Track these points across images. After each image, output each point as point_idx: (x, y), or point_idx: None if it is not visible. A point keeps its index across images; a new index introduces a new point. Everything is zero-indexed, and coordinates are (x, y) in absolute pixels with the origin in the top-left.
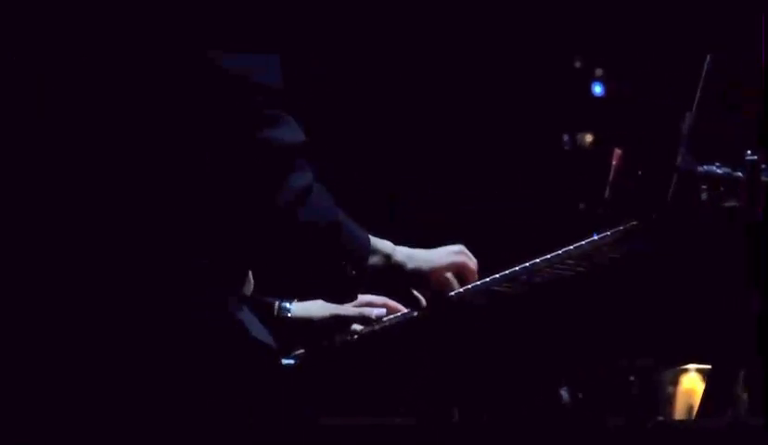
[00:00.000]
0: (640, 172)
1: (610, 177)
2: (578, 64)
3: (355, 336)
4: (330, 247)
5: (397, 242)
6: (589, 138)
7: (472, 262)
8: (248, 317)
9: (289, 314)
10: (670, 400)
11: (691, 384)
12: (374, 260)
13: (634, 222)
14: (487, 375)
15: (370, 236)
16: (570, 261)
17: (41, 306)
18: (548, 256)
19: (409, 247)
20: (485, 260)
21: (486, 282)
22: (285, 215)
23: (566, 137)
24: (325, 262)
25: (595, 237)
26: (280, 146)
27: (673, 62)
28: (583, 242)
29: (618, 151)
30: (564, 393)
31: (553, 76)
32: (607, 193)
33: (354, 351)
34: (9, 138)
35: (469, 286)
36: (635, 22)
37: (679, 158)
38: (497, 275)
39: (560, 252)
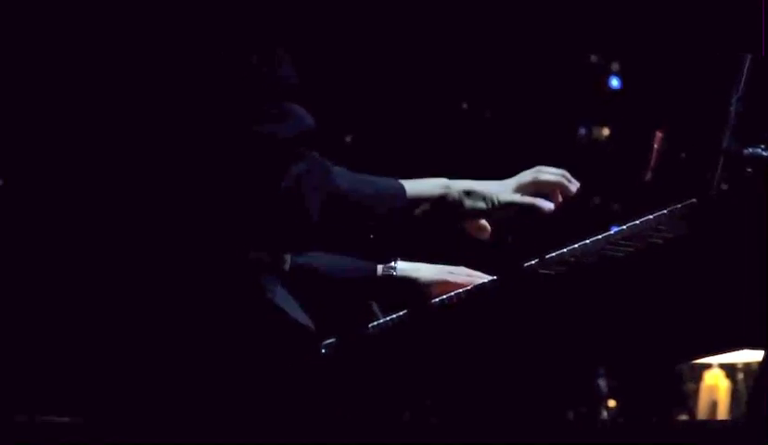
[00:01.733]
0: (683, 155)
1: (651, 160)
2: (594, 58)
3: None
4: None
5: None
6: (605, 132)
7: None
8: (285, 300)
9: (395, 273)
10: (693, 396)
11: (714, 380)
12: (421, 209)
13: (691, 201)
14: (537, 357)
15: (411, 182)
16: (623, 242)
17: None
18: (599, 236)
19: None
20: (497, 252)
21: (533, 264)
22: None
23: (582, 131)
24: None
25: (650, 217)
26: (281, 138)
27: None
28: (638, 221)
29: (659, 134)
30: (602, 383)
31: (569, 70)
32: (647, 176)
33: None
34: (57, 137)
35: (516, 265)
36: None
37: (725, 141)
38: (545, 256)
39: (612, 232)
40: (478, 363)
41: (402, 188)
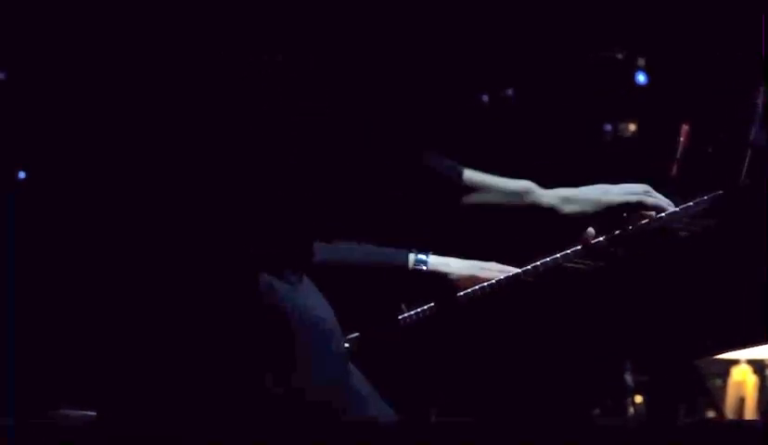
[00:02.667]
0: (710, 149)
1: (678, 154)
2: (620, 55)
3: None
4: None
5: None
6: (632, 128)
7: (653, 200)
8: (311, 298)
9: (425, 267)
10: (720, 392)
11: (741, 376)
12: (477, 198)
13: (719, 193)
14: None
15: (475, 174)
16: (649, 234)
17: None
18: (628, 228)
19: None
20: (524, 250)
21: (558, 258)
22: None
23: (607, 127)
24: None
25: (677, 209)
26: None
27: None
28: (663, 214)
29: (685, 127)
30: (628, 377)
31: (595, 66)
32: (674, 170)
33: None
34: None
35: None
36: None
37: (752, 134)
38: (570, 251)
39: (642, 223)
40: (506, 357)
41: (459, 169)
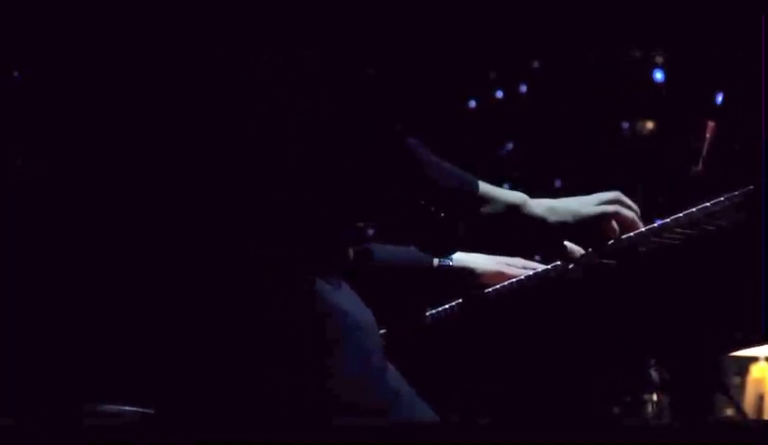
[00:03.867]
0: (736, 145)
1: (704, 150)
2: (637, 53)
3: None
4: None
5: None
6: (649, 125)
7: (630, 212)
8: (345, 297)
9: (451, 263)
10: (739, 389)
11: (760, 373)
12: (487, 209)
13: (749, 189)
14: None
15: (483, 184)
16: (679, 229)
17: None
18: (655, 225)
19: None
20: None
21: (589, 253)
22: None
23: (625, 125)
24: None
25: (708, 204)
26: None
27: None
28: (693, 209)
29: (711, 124)
30: (654, 373)
31: (612, 64)
32: (699, 165)
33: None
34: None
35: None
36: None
37: None
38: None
39: (668, 220)
40: (532, 353)
41: (475, 181)
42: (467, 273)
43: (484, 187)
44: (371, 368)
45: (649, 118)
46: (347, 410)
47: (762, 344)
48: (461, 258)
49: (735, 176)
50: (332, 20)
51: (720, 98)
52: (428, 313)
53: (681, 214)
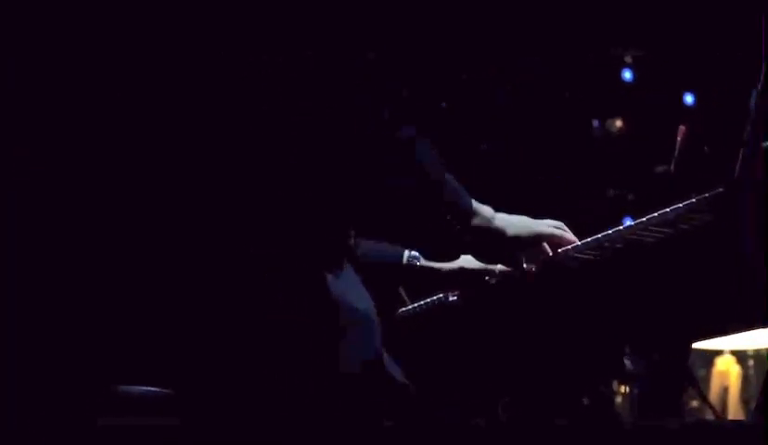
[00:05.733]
0: (706, 148)
1: (676, 153)
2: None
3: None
4: (435, 202)
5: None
6: (618, 124)
7: (569, 236)
8: (349, 286)
9: (419, 263)
10: (704, 381)
11: (725, 366)
12: (476, 221)
13: (718, 191)
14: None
15: (472, 200)
16: (653, 228)
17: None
18: (631, 223)
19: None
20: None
21: (572, 248)
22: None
23: (595, 123)
24: (430, 217)
25: (680, 206)
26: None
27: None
28: (668, 209)
29: (682, 128)
30: (627, 362)
31: (582, 63)
32: (672, 167)
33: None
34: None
35: (559, 251)
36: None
37: (746, 134)
38: (581, 243)
39: (644, 219)
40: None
41: (468, 195)
42: (433, 271)
43: (475, 204)
44: (373, 357)
45: (619, 116)
46: (351, 399)
47: (730, 334)
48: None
49: (705, 177)
50: (332, 21)
51: (688, 98)
52: (401, 310)
53: (656, 214)
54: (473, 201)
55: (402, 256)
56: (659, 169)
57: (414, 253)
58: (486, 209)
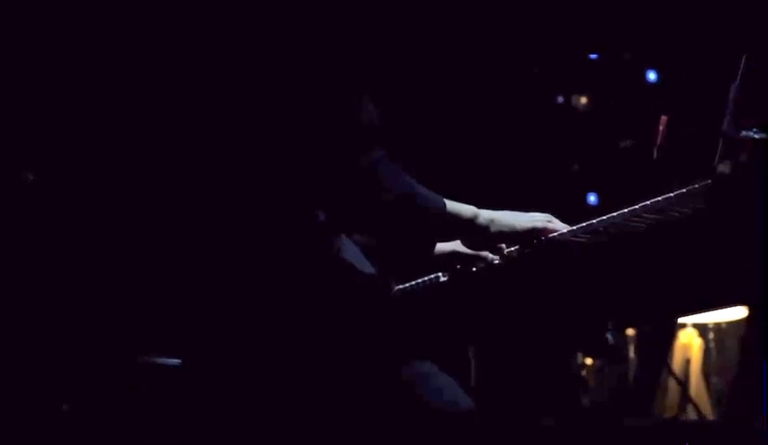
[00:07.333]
0: (686, 137)
1: (657, 141)
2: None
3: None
4: (406, 215)
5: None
6: (583, 100)
7: (558, 228)
8: (354, 255)
9: None
10: (668, 353)
11: (688, 339)
12: (453, 224)
13: (707, 182)
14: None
15: (447, 201)
16: (645, 215)
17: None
18: (624, 210)
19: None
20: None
21: (565, 233)
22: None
23: (560, 99)
24: (402, 230)
25: (671, 195)
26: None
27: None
28: (659, 198)
29: (664, 118)
30: (609, 336)
31: (548, 40)
32: (654, 155)
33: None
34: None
35: (553, 235)
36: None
37: (724, 126)
38: (575, 227)
39: (636, 207)
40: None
41: (443, 202)
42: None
43: (449, 205)
44: (369, 322)
45: (584, 92)
46: (346, 361)
47: (711, 311)
48: None
49: (686, 165)
50: (329, 21)
51: (651, 75)
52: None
53: (648, 202)
54: (449, 203)
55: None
56: (623, 144)
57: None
58: (467, 209)
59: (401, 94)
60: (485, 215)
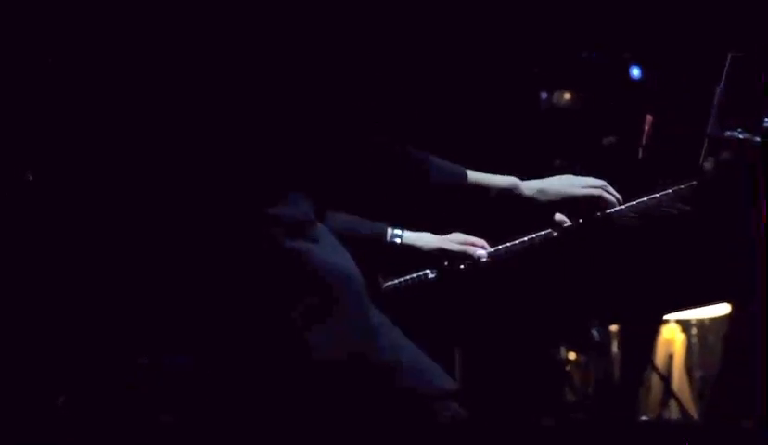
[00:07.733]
0: (671, 137)
1: (642, 141)
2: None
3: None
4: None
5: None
6: (567, 96)
7: (608, 197)
8: (332, 244)
9: (399, 241)
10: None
11: (670, 335)
12: (480, 196)
13: (692, 183)
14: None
15: (473, 173)
16: (632, 214)
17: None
18: (614, 209)
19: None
20: (462, 214)
21: (553, 231)
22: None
23: (543, 95)
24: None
25: (658, 195)
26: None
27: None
28: (645, 198)
29: (649, 117)
30: (595, 333)
31: (533, 36)
32: (640, 154)
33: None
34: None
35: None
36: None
37: (709, 126)
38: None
39: (623, 207)
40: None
41: (463, 172)
42: (414, 248)
43: (474, 176)
44: (356, 314)
45: (567, 89)
46: (335, 359)
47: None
48: (410, 235)
49: (671, 164)
50: (328, 22)
51: (634, 71)
52: (384, 285)
53: (635, 201)
54: (478, 174)
55: (385, 233)
56: (606, 140)
57: (396, 231)
58: (503, 181)
59: (388, 90)
60: (532, 186)
